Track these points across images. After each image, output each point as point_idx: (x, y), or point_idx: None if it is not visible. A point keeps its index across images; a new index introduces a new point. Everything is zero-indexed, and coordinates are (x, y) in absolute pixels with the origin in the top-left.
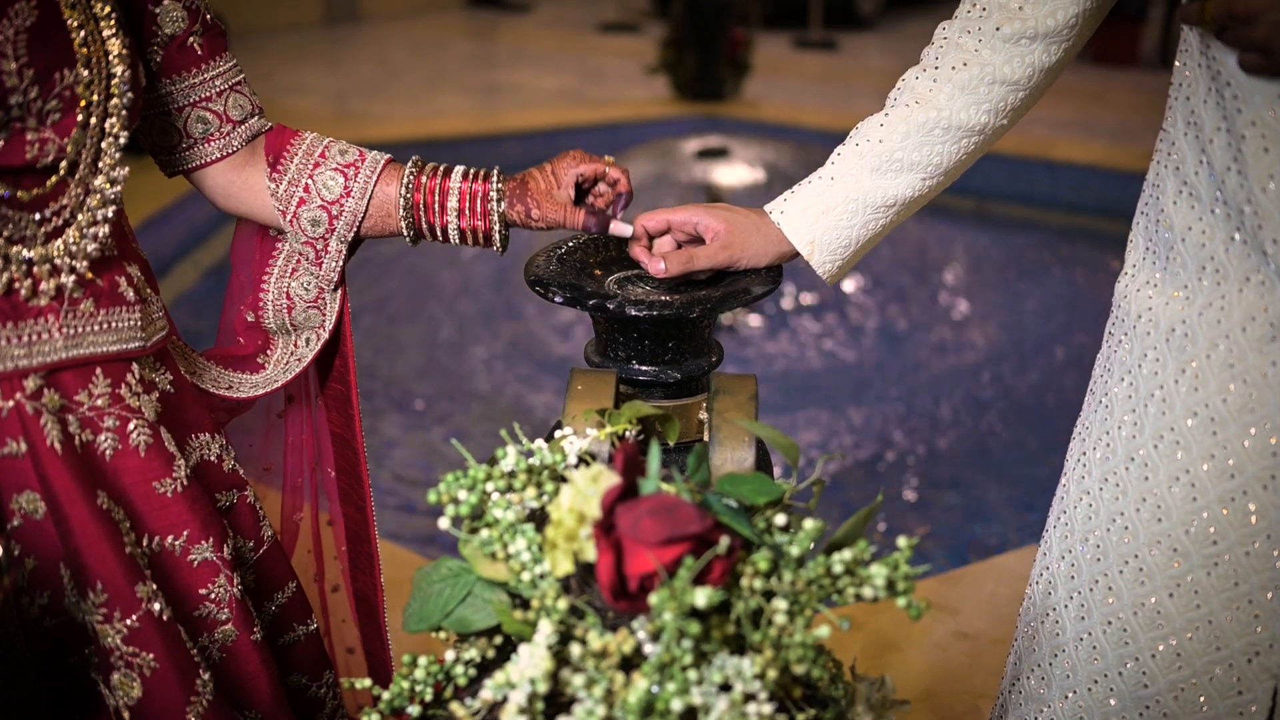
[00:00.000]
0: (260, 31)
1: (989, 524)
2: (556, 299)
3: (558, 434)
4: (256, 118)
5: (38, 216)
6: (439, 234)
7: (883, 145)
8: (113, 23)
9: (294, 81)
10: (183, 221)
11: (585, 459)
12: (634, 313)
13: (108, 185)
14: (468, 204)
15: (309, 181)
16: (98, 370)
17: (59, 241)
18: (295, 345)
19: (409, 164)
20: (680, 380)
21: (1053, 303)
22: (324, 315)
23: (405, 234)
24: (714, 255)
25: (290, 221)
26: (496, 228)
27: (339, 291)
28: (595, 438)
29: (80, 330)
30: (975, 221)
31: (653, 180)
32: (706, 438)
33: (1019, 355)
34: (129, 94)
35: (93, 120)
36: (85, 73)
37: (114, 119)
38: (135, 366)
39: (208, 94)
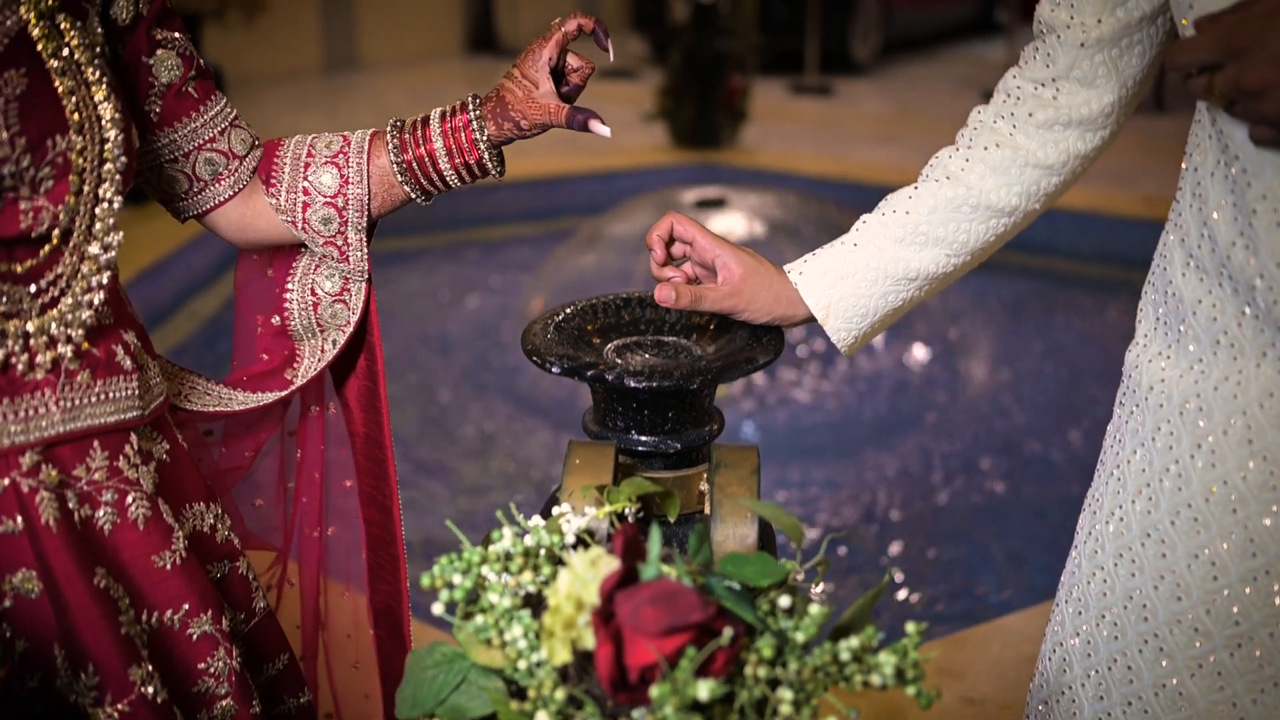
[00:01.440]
0: (260, 80)
1: (991, 581)
2: (554, 369)
3: (555, 510)
4: (258, 147)
5: (33, 289)
6: (439, 183)
7: (909, 217)
8: (104, 86)
9: (293, 129)
10: (180, 271)
11: (584, 538)
12: (633, 384)
13: (103, 251)
14: (453, 141)
15: (305, 184)
16: (95, 443)
17: (54, 312)
18: (322, 349)
19: (389, 129)
20: (681, 450)
21: (1052, 351)
22: (350, 310)
23: (414, 197)
24: (720, 301)
25: (302, 229)
26: (487, 156)
27: (364, 283)
28: (594, 516)
29: (78, 403)
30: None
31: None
32: (708, 510)
33: (1018, 406)
34: (123, 158)
35: (86, 186)
36: (78, 139)
37: (108, 184)
38: (133, 437)
39: (211, 135)
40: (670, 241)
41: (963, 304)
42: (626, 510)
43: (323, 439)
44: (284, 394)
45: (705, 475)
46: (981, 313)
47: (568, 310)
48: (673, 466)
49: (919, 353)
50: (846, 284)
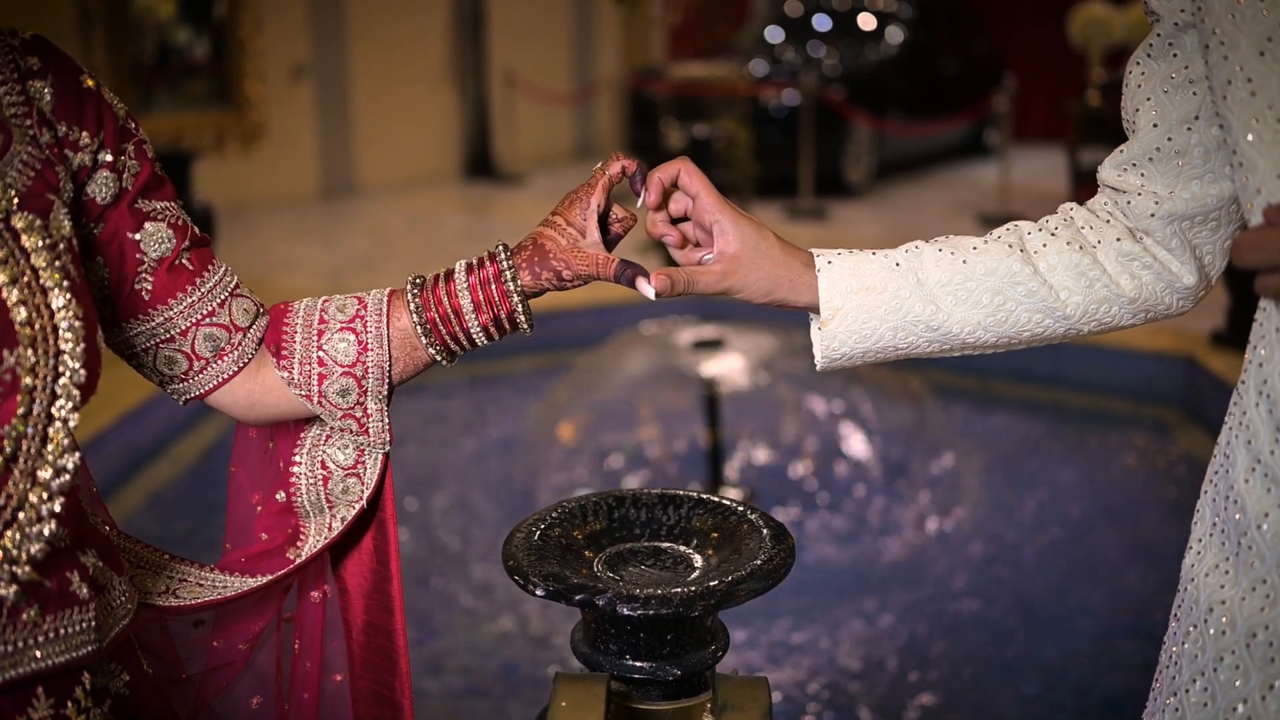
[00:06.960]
0: (258, 207)
1: None
2: (538, 592)
3: None
4: (263, 316)
5: None
6: (465, 342)
7: (965, 266)
8: (63, 292)
9: (288, 257)
10: (161, 414)
11: None
12: (626, 611)
13: (55, 476)
14: (481, 295)
15: (320, 354)
16: (40, 689)
17: None
18: (329, 527)
19: (408, 287)
20: (681, 677)
21: (1061, 490)
22: (364, 484)
23: (438, 359)
24: (712, 285)
25: (319, 403)
26: (519, 308)
27: (381, 455)
28: None
29: (22, 645)
30: (978, 401)
31: (646, 374)
32: None
33: (1028, 551)
34: (81, 370)
35: (37, 406)
36: (29, 353)
37: (63, 400)
38: (86, 675)
39: (210, 308)
40: (672, 188)
41: (967, 438)
42: None
43: (321, 626)
44: (284, 573)
45: (708, 706)
46: (987, 448)
47: (554, 514)
48: (671, 696)
49: (922, 491)
50: (869, 297)
